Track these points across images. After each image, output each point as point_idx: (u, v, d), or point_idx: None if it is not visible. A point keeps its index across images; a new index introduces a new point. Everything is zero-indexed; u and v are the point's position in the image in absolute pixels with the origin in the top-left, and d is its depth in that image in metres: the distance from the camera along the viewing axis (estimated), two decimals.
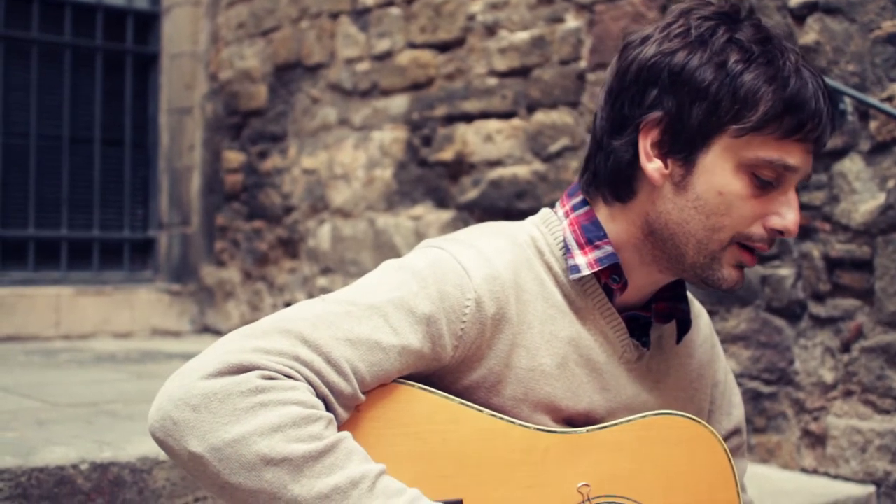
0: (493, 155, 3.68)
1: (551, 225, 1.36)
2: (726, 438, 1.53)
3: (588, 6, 3.36)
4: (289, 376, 1.15)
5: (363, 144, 4.28)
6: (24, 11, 5.02)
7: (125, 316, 5.04)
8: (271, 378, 1.14)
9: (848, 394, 2.63)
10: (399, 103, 4.11)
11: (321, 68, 4.53)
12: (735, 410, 1.54)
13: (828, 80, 2.45)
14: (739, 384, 2.76)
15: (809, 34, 2.71)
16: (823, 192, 2.68)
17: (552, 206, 1.40)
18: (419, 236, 3.94)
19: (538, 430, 1.27)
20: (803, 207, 2.69)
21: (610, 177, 1.32)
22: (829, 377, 2.67)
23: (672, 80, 1.26)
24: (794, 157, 1.26)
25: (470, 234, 1.35)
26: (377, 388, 1.22)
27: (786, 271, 2.77)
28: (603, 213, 1.35)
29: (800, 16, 2.74)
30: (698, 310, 1.51)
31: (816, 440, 2.70)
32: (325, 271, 4.48)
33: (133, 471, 2.13)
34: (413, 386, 1.24)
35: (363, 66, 4.29)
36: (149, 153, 5.45)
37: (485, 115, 3.72)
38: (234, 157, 5.07)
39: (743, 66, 1.24)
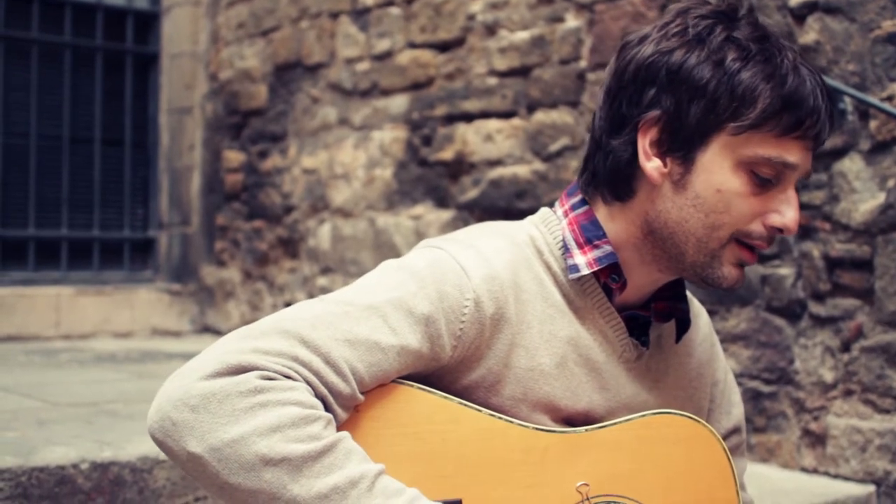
0: (493, 154, 3.68)
1: (550, 224, 1.36)
2: (726, 437, 1.53)
3: (588, 6, 3.36)
4: (287, 377, 1.15)
5: (363, 144, 4.28)
6: (24, 11, 5.02)
7: (125, 316, 5.04)
8: (270, 378, 1.14)
9: (848, 393, 2.63)
10: (399, 103, 4.11)
11: (321, 68, 4.53)
12: (734, 409, 1.54)
13: (828, 80, 2.46)
14: (739, 384, 2.76)
15: (809, 34, 2.71)
16: (823, 192, 2.68)
17: (551, 205, 1.40)
18: (419, 236, 3.94)
19: (537, 429, 1.27)
20: (803, 207, 2.69)
21: (609, 176, 1.32)
22: (829, 377, 2.67)
23: (670, 79, 1.26)
24: (792, 154, 1.26)
25: (469, 233, 1.35)
26: (376, 389, 1.22)
27: (786, 271, 2.77)
28: (602, 213, 1.35)
29: (800, 15, 2.74)
30: (698, 309, 1.51)
31: (816, 440, 2.70)
32: (326, 271, 4.48)
33: (133, 470, 2.13)
34: (412, 386, 1.24)
35: (363, 66, 4.29)
36: (149, 153, 5.45)
37: (485, 115, 3.72)
38: (234, 157, 5.07)
39: (740, 63, 1.24)
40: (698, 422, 1.36)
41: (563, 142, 3.44)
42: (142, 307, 5.10)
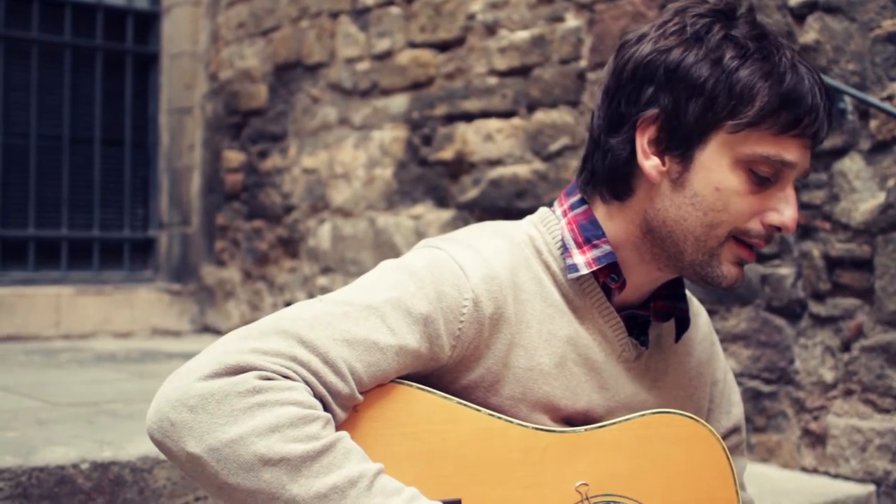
0: (493, 154, 3.68)
1: (549, 224, 1.36)
2: (725, 437, 1.53)
3: (588, 5, 3.36)
4: (286, 377, 1.15)
5: (363, 144, 4.28)
6: (24, 11, 5.02)
7: (125, 315, 5.04)
8: (269, 379, 1.14)
9: (848, 393, 2.62)
10: (399, 103, 4.11)
11: (321, 68, 4.53)
12: (734, 409, 1.54)
13: (828, 79, 2.46)
14: (739, 383, 2.76)
15: (809, 33, 2.70)
16: (823, 192, 2.68)
17: (550, 205, 1.40)
18: (419, 235, 3.94)
19: (536, 429, 1.27)
20: (803, 206, 2.69)
21: (607, 175, 1.32)
22: (829, 376, 2.67)
23: (668, 78, 1.26)
24: (790, 152, 1.26)
25: (468, 233, 1.35)
26: (375, 388, 1.22)
27: (786, 270, 2.77)
28: (601, 212, 1.34)
29: (800, 15, 2.74)
30: (697, 308, 1.50)
31: (816, 439, 2.70)
32: (326, 271, 4.48)
33: (133, 470, 2.13)
34: (411, 386, 1.24)
35: (363, 66, 4.29)
36: (149, 153, 5.45)
37: (485, 115, 3.72)
38: (234, 157, 5.07)
39: (739, 62, 1.24)
40: (698, 421, 1.36)
41: (563, 141, 3.44)
42: (142, 307, 5.10)
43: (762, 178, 1.26)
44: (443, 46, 3.91)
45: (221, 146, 5.15)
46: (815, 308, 2.71)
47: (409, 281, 1.24)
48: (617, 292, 1.34)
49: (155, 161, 5.43)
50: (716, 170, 1.26)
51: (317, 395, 1.16)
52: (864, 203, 2.59)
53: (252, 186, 4.94)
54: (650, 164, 1.28)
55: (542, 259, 1.33)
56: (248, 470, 1.10)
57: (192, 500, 2.19)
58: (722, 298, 2.90)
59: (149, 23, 5.43)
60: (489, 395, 1.28)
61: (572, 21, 3.41)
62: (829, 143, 2.63)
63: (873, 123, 2.58)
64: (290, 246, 4.68)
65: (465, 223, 3.67)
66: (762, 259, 2.79)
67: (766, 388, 2.81)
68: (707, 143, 1.26)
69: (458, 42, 3.84)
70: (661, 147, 1.28)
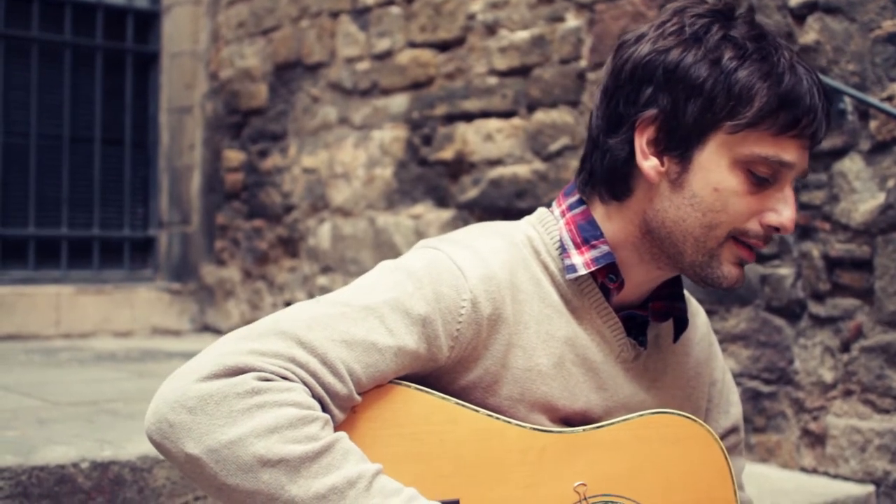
0: (493, 154, 3.68)
1: (547, 224, 1.36)
2: (724, 437, 1.53)
3: (588, 5, 3.36)
4: (284, 378, 1.15)
5: (363, 143, 4.28)
6: (24, 10, 5.02)
7: (125, 315, 5.04)
8: (267, 380, 1.14)
9: (847, 393, 2.62)
10: (399, 102, 4.11)
11: (321, 67, 4.53)
12: (733, 409, 1.54)
13: (828, 80, 2.46)
14: (739, 384, 2.76)
15: (809, 34, 2.70)
16: (823, 192, 2.68)
17: (549, 205, 1.40)
18: (419, 235, 3.94)
19: (535, 429, 1.27)
20: (803, 207, 2.69)
21: (606, 175, 1.32)
22: (828, 377, 2.67)
23: (667, 78, 1.26)
24: (789, 153, 1.26)
25: (466, 234, 1.35)
26: (373, 389, 1.22)
27: (785, 271, 2.77)
28: (599, 213, 1.34)
29: (800, 15, 2.74)
30: (695, 308, 1.51)
31: (816, 440, 2.70)
32: (326, 270, 4.48)
33: (133, 469, 2.13)
34: (409, 387, 1.24)
35: (363, 66, 4.29)
36: (149, 152, 5.45)
37: (485, 115, 3.72)
38: (234, 156, 5.07)
39: (737, 62, 1.24)
40: (696, 422, 1.36)
41: (563, 141, 3.44)
42: (142, 306, 5.10)
43: (761, 178, 1.26)
44: (443, 46, 3.91)
45: (221, 145, 5.15)
46: (815, 308, 2.71)
47: (408, 281, 1.24)
48: (615, 292, 1.34)
49: (155, 160, 5.43)
50: (714, 170, 1.26)
51: (315, 396, 1.16)
52: (863, 203, 2.59)
53: (252, 186, 4.94)
54: (649, 164, 1.28)
55: (541, 259, 1.33)
56: (247, 471, 1.10)
57: (192, 500, 2.19)
58: (721, 299, 2.90)
59: (149, 22, 5.43)
60: (487, 395, 1.28)
61: (572, 21, 3.41)
62: (828, 143, 2.63)
63: (873, 124, 2.58)
64: (290, 245, 4.68)
65: (465, 223, 3.67)
66: (762, 259, 2.79)
67: (765, 389, 2.81)
68: (706, 144, 1.26)
69: (458, 42, 3.84)
70: (660, 147, 1.28)
